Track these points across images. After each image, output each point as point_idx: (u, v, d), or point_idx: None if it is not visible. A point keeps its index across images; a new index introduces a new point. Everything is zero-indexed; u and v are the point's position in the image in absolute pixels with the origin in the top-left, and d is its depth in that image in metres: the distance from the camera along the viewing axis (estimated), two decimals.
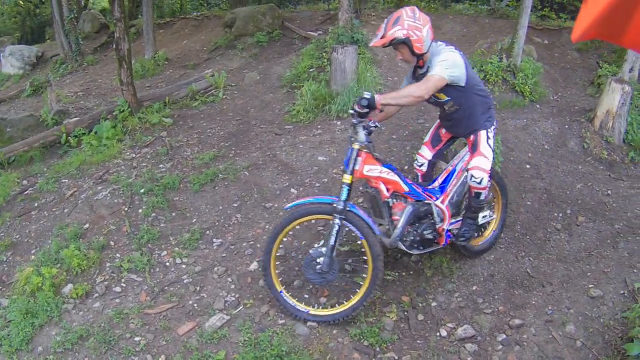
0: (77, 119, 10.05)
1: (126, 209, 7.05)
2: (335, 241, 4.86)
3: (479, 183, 4.95)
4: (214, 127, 8.79)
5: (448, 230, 5.35)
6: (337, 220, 4.83)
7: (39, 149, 9.33)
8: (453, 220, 5.38)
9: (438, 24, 13.25)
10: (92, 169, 8.27)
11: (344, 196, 4.81)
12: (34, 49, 19.83)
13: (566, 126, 8.22)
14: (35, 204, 7.64)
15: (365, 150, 4.85)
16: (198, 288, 5.71)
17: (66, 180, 8.11)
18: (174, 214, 6.91)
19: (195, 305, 5.48)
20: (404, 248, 5.13)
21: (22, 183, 8.44)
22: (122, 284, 5.92)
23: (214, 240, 6.43)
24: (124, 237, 6.60)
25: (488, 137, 5.03)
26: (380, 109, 4.66)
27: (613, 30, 1.34)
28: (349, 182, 4.82)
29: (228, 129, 9.13)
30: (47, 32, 29.04)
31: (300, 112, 9.00)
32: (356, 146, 4.78)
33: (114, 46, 9.73)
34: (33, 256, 6.52)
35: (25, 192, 8.07)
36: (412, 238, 5.16)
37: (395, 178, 5.00)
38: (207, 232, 6.56)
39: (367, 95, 4.55)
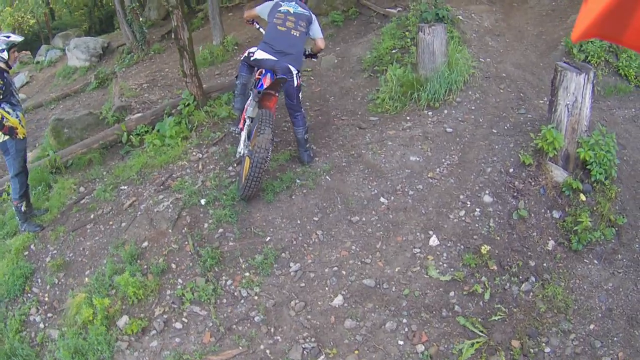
0: (139, 115, 9.29)
1: (189, 222, 6.14)
2: None
3: None
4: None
5: None
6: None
7: (99, 150, 8.61)
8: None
9: None
10: (154, 173, 7.45)
11: None
12: (99, 40, 19.56)
13: None
14: (92, 216, 6.92)
15: None
16: (272, 329, 4.83)
17: (125, 187, 7.32)
18: (244, 230, 5.95)
19: (267, 351, 4.66)
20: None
21: (78, 190, 7.76)
22: (183, 319, 5.12)
23: (291, 264, 5.44)
24: (187, 258, 5.72)
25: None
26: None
27: (614, 30, 1.30)
28: None
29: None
30: (115, 21, 28.95)
31: (386, 100, 7.91)
32: None
33: (173, 36, 8.85)
34: (87, 279, 5.88)
35: (82, 202, 7.37)
36: None
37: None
38: (283, 253, 5.56)
39: None
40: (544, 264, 5.14)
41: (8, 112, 6.56)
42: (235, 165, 7.06)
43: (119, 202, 7.01)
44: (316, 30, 6.90)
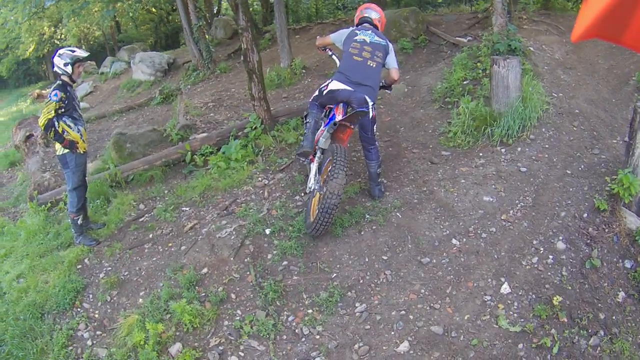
0: (204, 135, 9.25)
1: (252, 251, 6.01)
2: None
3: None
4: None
5: None
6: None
7: (161, 168, 8.60)
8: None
9: None
10: (217, 197, 7.35)
11: None
12: (165, 55, 19.80)
13: None
14: (150, 235, 6.87)
15: None
16: None
17: (187, 209, 7.24)
18: (310, 264, 5.75)
19: None
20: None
21: (138, 207, 7.73)
22: (239, 353, 4.93)
23: (357, 304, 5.19)
24: (248, 289, 5.56)
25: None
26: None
27: (614, 30, 1.34)
28: None
29: None
30: (181, 37, 29.50)
31: (458, 134, 7.66)
32: None
33: (242, 58, 8.77)
34: (141, 300, 5.77)
35: (141, 219, 7.34)
36: None
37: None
38: (349, 292, 5.32)
39: None
40: (614, 317, 4.82)
41: (69, 126, 6.60)
42: (302, 195, 6.90)
43: (180, 223, 6.93)
44: (392, 61, 6.58)
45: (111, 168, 8.68)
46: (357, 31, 6.55)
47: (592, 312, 4.83)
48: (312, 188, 6.16)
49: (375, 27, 6.73)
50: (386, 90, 6.93)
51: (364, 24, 6.73)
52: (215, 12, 23.80)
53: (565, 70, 9.73)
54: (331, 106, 6.53)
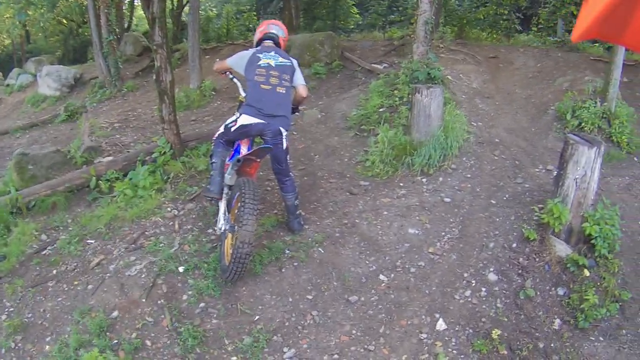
0: (110, 159, 8.63)
1: (166, 291, 5.52)
2: None
3: None
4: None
5: None
6: None
7: (64, 194, 7.86)
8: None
9: (509, 57, 12.37)
10: (124, 228, 6.77)
11: None
12: (72, 70, 18.95)
13: None
14: (54, 271, 6.19)
15: None
16: None
17: (93, 241, 6.62)
18: (229, 306, 5.30)
19: None
20: None
21: (40, 238, 6.99)
22: None
23: (284, 349, 4.79)
24: (164, 334, 5.03)
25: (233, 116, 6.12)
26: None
27: (614, 30, 1.34)
28: None
29: None
30: (89, 52, 28.59)
31: (376, 163, 7.48)
32: None
33: (154, 77, 8.23)
34: (48, 346, 5.10)
35: (44, 252, 6.62)
36: None
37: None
38: (275, 336, 4.92)
39: None
40: (552, 345, 4.79)
41: None
42: (215, 228, 6.43)
43: (85, 258, 6.29)
44: (298, 77, 6.17)
45: (12, 192, 7.92)
46: (259, 54, 6.01)
47: (531, 342, 4.79)
48: (223, 228, 5.72)
49: (279, 45, 6.32)
50: (295, 112, 6.46)
51: (267, 42, 6.25)
52: (125, 27, 23.13)
53: (483, 99, 9.84)
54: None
